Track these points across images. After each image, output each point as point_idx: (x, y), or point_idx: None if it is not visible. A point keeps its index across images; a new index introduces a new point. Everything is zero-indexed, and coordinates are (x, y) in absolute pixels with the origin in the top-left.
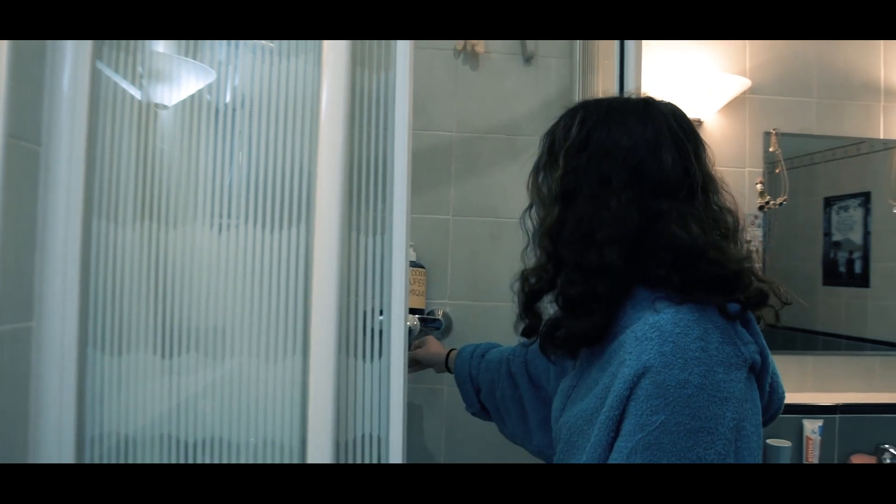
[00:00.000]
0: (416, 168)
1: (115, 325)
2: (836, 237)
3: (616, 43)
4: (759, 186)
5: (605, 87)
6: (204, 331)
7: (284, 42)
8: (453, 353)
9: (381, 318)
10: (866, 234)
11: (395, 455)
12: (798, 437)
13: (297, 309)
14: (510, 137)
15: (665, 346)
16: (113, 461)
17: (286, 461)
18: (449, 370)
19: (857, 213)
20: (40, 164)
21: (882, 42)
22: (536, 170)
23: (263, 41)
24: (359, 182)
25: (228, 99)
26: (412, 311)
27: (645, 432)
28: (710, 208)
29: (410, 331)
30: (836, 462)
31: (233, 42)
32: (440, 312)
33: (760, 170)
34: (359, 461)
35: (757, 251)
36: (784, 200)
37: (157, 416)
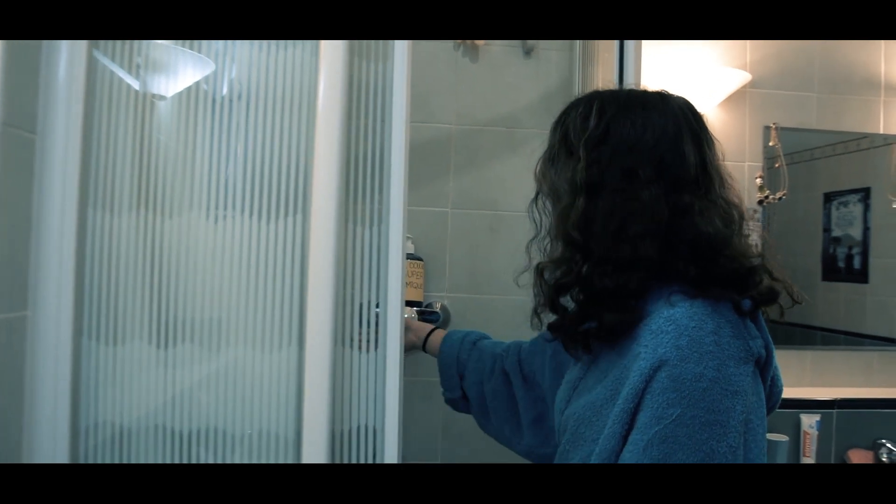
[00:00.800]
0: (415, 160)
1: (111, 315)
2: (836, 233)
3: None
4: (758, 181)
5: (604, 80)
6: (200, 321)
7: None
8: (436, 335)
9: (377, 309)
10: (866, 229)
11: (391, 447)
12: (796, 432)
13: (294, 299)
14: (510, 130)
15: (681, 340)
16: (108, 451)
17: (281, 452)
18: (425, 350)
19: (856, 209)
20: (36, 153)
21: None
22: (547, 159)
23: None
24: (356, 173)
25: (225, 89)
26: (410, 303)
27: (661, 425)
28: (720, 202)
29: None
30: (832, 456)
31: None
32: (438, 305)
33: (760, 164)
34: (354, 452)
35: (757, 245)
36: (783, 195)
37: (152, 406)
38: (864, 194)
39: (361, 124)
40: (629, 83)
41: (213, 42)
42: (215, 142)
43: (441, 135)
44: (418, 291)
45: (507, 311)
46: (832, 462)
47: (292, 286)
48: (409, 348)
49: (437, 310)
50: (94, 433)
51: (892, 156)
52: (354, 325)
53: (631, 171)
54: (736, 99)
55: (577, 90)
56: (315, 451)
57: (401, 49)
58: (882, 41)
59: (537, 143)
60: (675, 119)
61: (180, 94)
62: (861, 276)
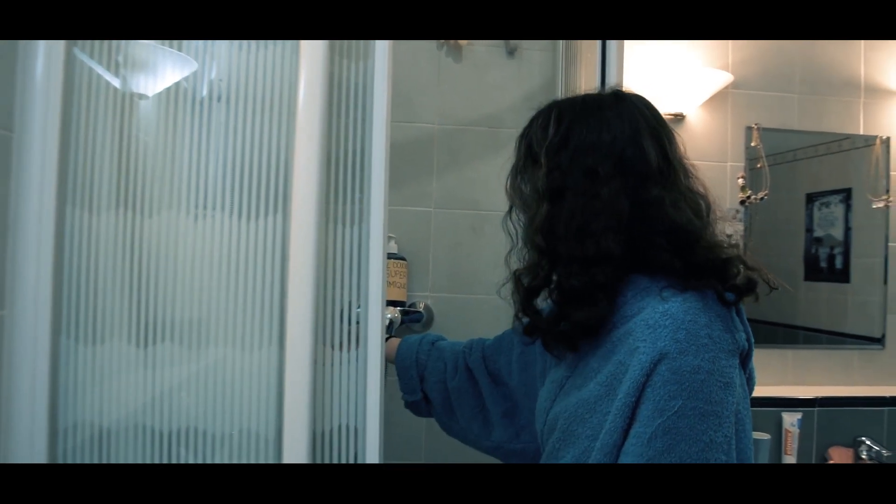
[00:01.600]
0: (398, 160)
1: (90, 315)
2: (818, 233)
3: None
4: (740, 181)
5: (587, 80)
6: (180, 320)
7: None
8: (392, 341)
9: (358, 309)
10: (847, 229)
11: (372, 447)
12: (777, 430)
13: (274, 298)
14: (493, 130)
15: (679, 333)
16: (87, 452)
17: (262, 451)
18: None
19: (838, 210)
20: (12, 151)
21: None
22: (515, 172)
23: None
24: (336, 172)
25: (206, 88)
26: (394, 303)
27: (664, 417)
28: (687, 193)
29: (391, 323)
30: (813, 454)
31: None
32: (422, 305)
33: (742, 164)
34: (335, 452)
35: (738, 246)
36: (765, 195)
37: (132, 406)
38: (846, 195)
39: (342, 123)
40: (611, 83)
41: (194, 41)
42: (196, 141)
43: (424, 134)
44: (402, 291)
45: (490, 310)
46: (813, 459)
47: (273, 285)
48: None
49: (421, 309)
50: (73, 434)
51: (873, 156)
52: (335, 325)
53: (591, 171)
54: (718, 100)
55: (561, 90)
56: (296, 451)
57: (382, 48)
58: (861, 44)
59: None
60: (632, 116)
61: (161, 92)
62: (843, 275)
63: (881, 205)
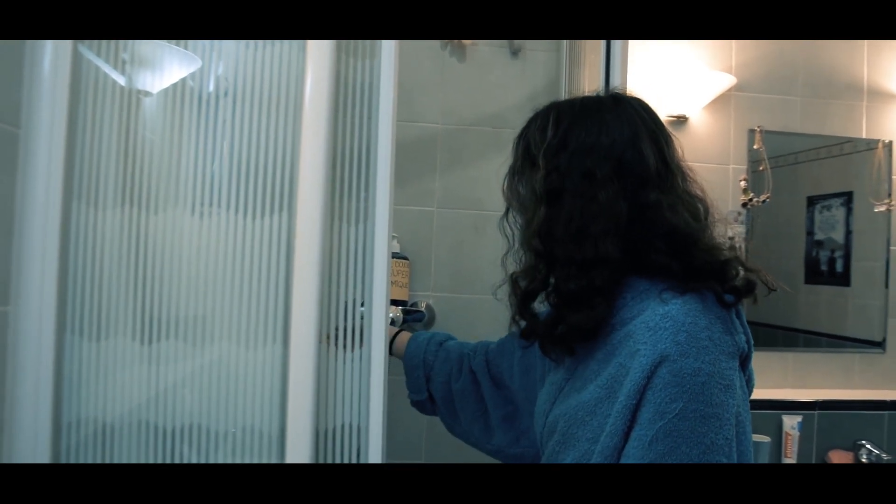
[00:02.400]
0: (401, 159)
1: (95, 311)
2: (819, 236)
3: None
4: (742, 184)
5: (591, 80)
6: (184, 317)
7: None
8: (401, 336)
9: (362, 308)
10: (848, 233)
11: (375, 445)
12: (777, 433)
13: (278, 296)
14: (496, 130)
15: (679, 336)
16: (90, 449)
17: (265, 449)
18: (391, 353)
19: (839, 213)
20: (19, 147)
21: (866, 42)
22: (512, 174)
23: None
24: (342, 171)
25: (212, 86)
26: (396, 302)
27: (665, 420)
28: (685, 196)
29: (393, 322)
30: (813, 457)
31: None
32: (423, 304)
33: (744, 167)
34: (338, 451)
35: (740, 248)
36: (767, 198)
37: (135, 402)
38: (847, 198)
39: (348, 122)
40: (615, 84)
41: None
42: (201, 138)
43: (427, 134)
44: (403, 290)
45: (491, 310)
46: (813, 462)
47: (277, 283)
48: None
49: (423, 309)
50: (76, 430)
51: (875, 160)
52: (339, 323)
53: (589, 174)
54: (721, 102)
55: (564, 90)
56: (299, 450)
57: (388, 47)
58: (865, 47)
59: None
60: (631, 120)
61: (166, 90)
62: (843, 279)
63: (883, 208)
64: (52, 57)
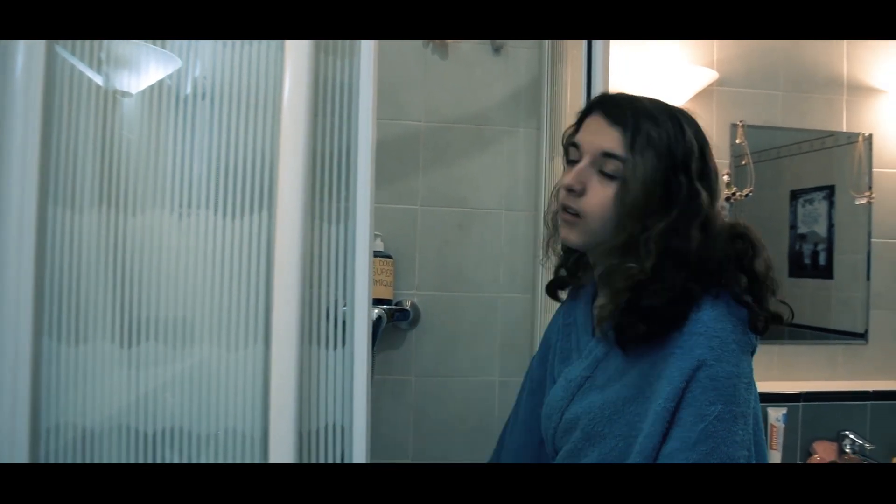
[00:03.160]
0: (384, 157)
1: (73, 314)
2: (802, 230)
3: None
4: (725, 178)
5: (573, 77)
6: (164, 319)
7: None
8: None
9: (344, 308)
10: (830, 226)
11: (359, 446)
12: (763, 425)
13: (259, 297)
14: (479, 127)
15: (713, 341)
16: (70, 453)
17: (248, 451)
18: None
19: (821, 206)
20: None
21: None
22: (680, 167)
23: None
24: (322, 170)
25: (190, 86)
26: (380, 301)
27: (706, 422)
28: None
29: (378, 321)
30: (798, 448)
31: None
32: (408, 303)
33: (727, 161)
34: (322, 451)
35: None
36: (750, 192)
37: (116, 406)
38: (829, 192)
39: (327, 121)
40: (597, 80)
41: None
42: (180, 138)
43: (410, 132)
44: (388, 289)
45: (477, 308)
46: (798, 454)
47: (258, 283)
48: None
49: (408, 308)
50: (55, 435)
51: (855, 153)
52: (321, 322)
53: (710, 189)
54: (703, 97)
55: (546, 88)
56: (282, 451)
57: (367, 46)
58: (844, 42)
59: (506, 140)
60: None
61: (144, 90)
62: (826, 271)
63: (864, 201)
64: (25, 56)
